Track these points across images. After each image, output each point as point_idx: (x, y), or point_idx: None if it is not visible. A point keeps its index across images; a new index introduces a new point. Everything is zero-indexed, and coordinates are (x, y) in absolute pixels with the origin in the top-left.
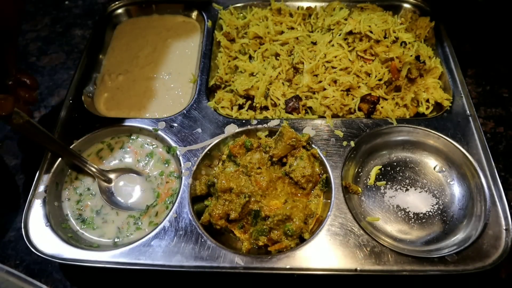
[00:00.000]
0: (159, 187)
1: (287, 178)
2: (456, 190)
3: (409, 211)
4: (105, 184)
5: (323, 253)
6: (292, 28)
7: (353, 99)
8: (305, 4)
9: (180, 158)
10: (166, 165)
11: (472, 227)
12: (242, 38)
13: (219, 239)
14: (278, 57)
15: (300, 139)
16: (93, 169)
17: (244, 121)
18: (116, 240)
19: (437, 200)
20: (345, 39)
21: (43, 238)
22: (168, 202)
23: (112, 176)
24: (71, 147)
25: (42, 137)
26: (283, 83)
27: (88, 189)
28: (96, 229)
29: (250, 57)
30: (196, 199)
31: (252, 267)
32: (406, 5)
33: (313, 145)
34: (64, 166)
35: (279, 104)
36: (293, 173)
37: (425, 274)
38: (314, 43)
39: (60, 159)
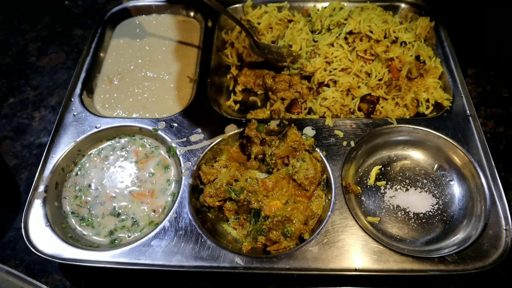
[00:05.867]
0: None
1: (290, 179)
2: (456, 190)
3: (409, 211)
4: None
5: (323, 253)
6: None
7: (353, 99)
8: (305, 4)
9: (180, 158)
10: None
11: (472, 227)
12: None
13: (219, 239)
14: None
15: (304, 142)
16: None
17: (244, 121)
18: (115, 236)
19: (437, 200)
20: (345, 38)
21: (43, 238)
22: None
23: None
24: (71, 147)
25: None
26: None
27: (89, 185)
28: (95, 226)
29: None
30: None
31: (252, 267)
32: (406, 5)
33: (317, 149)
34: (65, 165)
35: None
36: (296, 175)
37: (425, 274)
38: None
39: (60, 158)
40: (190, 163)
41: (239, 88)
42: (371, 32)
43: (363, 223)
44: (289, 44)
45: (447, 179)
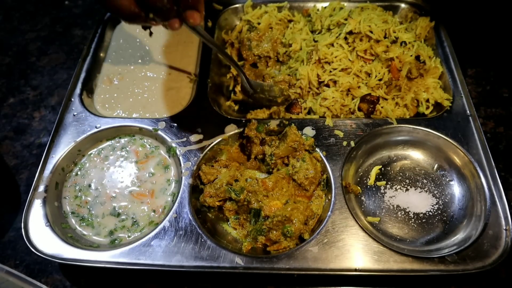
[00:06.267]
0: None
1: (290, 179)
2: (456, 190)
3: (409, 211)
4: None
5: (323, 253)
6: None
7: (353, 99)
8: (305, 4)
9: (180, 158)
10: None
11: (472, 227)
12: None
13: (219, 239)
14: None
15: (303, 142)
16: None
17: (244, 121)
18: (115, 236)
19: (437, 200)
20: (345, 38)
21: (43, 238)
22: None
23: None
24: (71, 147)
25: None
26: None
27: (89, 185)
28: (95, 226)
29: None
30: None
31: (252, 267)
32: (406, 5)
33: (317, 149)
34: (65, 165)
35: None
36: (296, 175)
37: (425, 274)
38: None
39: (60, 158)
40: (190, 163)
41: (239, 88)
42: (371, 32)
43: (363, 223)
44: (289, 43)
45: (447, 179)
